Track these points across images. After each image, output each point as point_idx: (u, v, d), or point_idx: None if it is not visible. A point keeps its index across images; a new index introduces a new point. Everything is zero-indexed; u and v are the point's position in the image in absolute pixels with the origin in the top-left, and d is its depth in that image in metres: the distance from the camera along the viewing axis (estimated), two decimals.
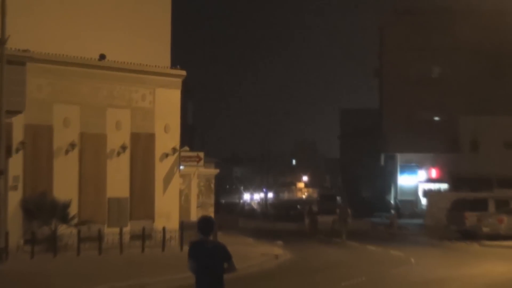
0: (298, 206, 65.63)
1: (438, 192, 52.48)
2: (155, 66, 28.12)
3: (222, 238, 30.43)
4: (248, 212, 61.55)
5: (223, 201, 74.48)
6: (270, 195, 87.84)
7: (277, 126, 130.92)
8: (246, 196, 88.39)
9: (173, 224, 27.68)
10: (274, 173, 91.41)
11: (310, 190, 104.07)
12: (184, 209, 30.55)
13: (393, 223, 42.69)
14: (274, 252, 26.31)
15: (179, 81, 29.05)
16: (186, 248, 26.35)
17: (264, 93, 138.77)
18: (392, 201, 59.16)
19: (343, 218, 34.86)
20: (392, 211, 49.16)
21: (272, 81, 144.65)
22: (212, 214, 33.48)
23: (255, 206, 70.18)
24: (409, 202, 56.48)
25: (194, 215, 31.26)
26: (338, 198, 70.57)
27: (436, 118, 58.95)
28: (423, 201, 53.11)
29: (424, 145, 55.92)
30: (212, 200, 33.80)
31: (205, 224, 8.98)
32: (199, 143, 65.64)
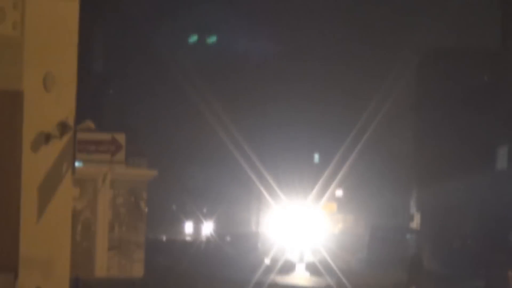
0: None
1: None
2: None
3: None
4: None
5: (163, 237, 74.86)
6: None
7: (281, 85, 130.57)
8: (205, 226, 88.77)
9: (58, 284, 27.85)
10: (278, 182, 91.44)
11: (351, 217, 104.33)
12: (82, 251, 30.78)
13: None
14: None
15: None
16: None
17: (256, 8, 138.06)
18: None
19: None
20: None
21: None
22: (140, 266, 33.65)
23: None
24: None
25: (103, 266, 31.49)
26: (409, 236, 70.99)
27: None
28: None
29: None
30: (141, 234, 34.05)
31: None
32: (117, 115, 65.85)
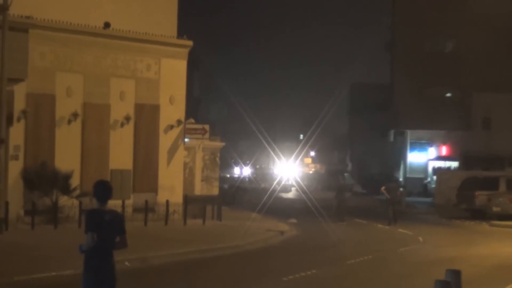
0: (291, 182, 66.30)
1: (448, 170, 52.55)
2: (161, 35, 28.10)
3: (227, 213, 30.57)
4: (250, 186, 62.40)
5: (228, 175, 74.75)
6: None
7: (286, 99, 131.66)
8: (245, 170, 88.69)
9: (177, 198, 27.84)
10: (280, 147, 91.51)
11: (318, 165, 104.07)
12: (188, 182, 30.69)
13: (401, 201, 42.70)
14: (280, 228, 26.46)
15: (185, 51, 29.03)
16: (190, 222, 26.55)
17: (273, 65, 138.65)
18: (401, 179, 59.19)
19: (393, 200, 30.44)
20: (401, 189, 49.22)
21: (282, 54, 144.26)
22: (216, 189, 33.56)
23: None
24: (419, 180, 56.63)
25: (199, 189, 31.43)
26: (346, 174, 70.81)
27: (449, 95, 58.67)
28: (433, 179, 53.13)
29: (435, 122, 55.79)
30: (217, 174, 33.86)
31: (104, 189, 8.25)
32: (205, 116, 65.69)
